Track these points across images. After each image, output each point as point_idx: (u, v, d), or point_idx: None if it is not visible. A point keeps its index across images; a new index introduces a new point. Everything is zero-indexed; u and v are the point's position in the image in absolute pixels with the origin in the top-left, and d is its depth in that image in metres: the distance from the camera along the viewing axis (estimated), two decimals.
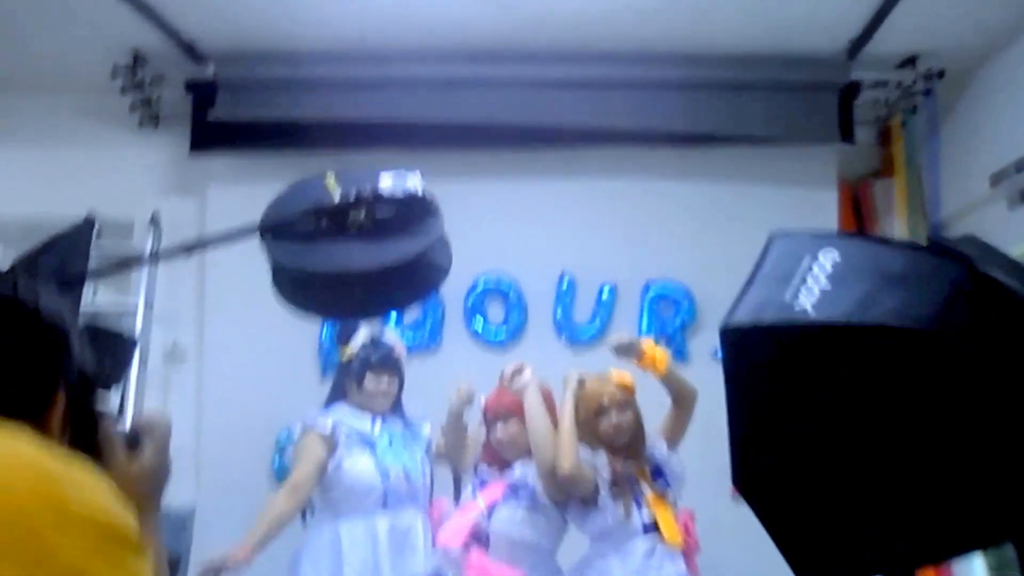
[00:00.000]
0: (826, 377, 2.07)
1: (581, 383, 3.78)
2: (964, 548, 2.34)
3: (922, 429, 2.02)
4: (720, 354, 2.12)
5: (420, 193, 2.58)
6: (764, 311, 2.09)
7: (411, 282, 2.73)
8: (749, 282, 2.20)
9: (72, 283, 2.88)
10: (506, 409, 3.86)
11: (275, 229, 2.59)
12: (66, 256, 2.99)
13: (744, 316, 2.14)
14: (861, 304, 2.00)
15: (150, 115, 5.70)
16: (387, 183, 2.56)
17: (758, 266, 2.24)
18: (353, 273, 2.59)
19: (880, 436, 2.04)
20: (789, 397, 2.12)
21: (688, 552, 3.74)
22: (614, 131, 5.49)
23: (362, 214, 2.54)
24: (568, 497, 3.70)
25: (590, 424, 3.70)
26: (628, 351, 3.78)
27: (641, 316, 5.61)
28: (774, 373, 2.13)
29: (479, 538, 3.77)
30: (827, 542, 2.20)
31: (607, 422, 3.72)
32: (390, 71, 5.30)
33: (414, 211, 2.57)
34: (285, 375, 5.38)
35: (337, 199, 2.56)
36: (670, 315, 5.61)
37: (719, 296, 5.23)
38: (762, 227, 5.14)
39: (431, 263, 2.65)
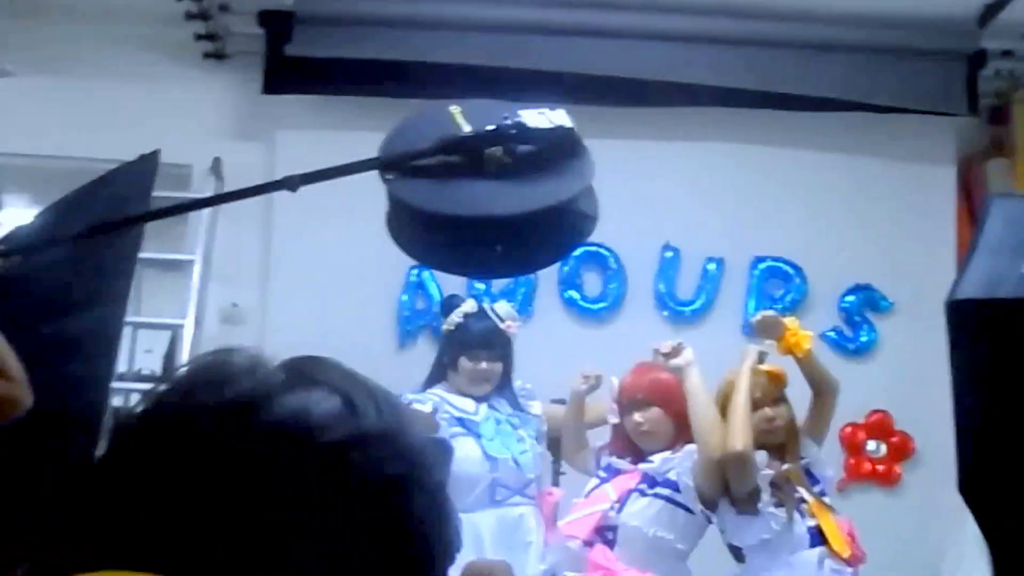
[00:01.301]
0: None
1: (762, 358, 3.42)
2: None
3: None
4: (949, 332, 2.00)
5: (569, 128, 2.23)
6: (1000, 284, 1.98)
7: (558, 232, 2.43)
8: (972, 251, 2.09)
9: (131, 223, 2.60)
10: (648, 394, 3.49)
11: (401, 162, 2.24)
12: (125, 193, 2.72)
13: (976, 289, 2.02)
14: None
15: (217, 48, 5.21)
16: (530, 117, 2.22)
17: (980, 233, 2.11)
18: (494, 218, 2.27)
19: None
20: None
21: (854, 564, 3.36)
22: (728, 91, 5.10)
23: (501, 151, 2.19)
24: (724, 494, 3.34)
25: None
26: (771, 329, 3.39)
27: (749, 293, 5.26)
28: (1013, 353, 1.99)
29: (606, 533, 3.42)
30: None
31: (760, 417, 3.36)
32: (488, 11, 4.91)
33: (559, 151, 2.25)
34: (358, 344, 4.91)
35: (471, 131, 2.20)
36: (779, 292, 5.25)
37: (830, 273, 5.11)
38: (877, 202, 4.96)
39: (579, 211, 2.34)
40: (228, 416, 0.71)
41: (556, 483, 4.17)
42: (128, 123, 4.95)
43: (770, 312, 3.65)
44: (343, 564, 0.70)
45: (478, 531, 3.59)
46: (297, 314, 5.05)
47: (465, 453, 3.67)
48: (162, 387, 0.75)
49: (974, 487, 2.05)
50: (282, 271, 5.20)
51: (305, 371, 0.77)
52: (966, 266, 2.04)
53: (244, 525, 0.68)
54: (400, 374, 3.88)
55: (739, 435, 3.22)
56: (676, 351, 3.42)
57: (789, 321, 3.51)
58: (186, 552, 0.68)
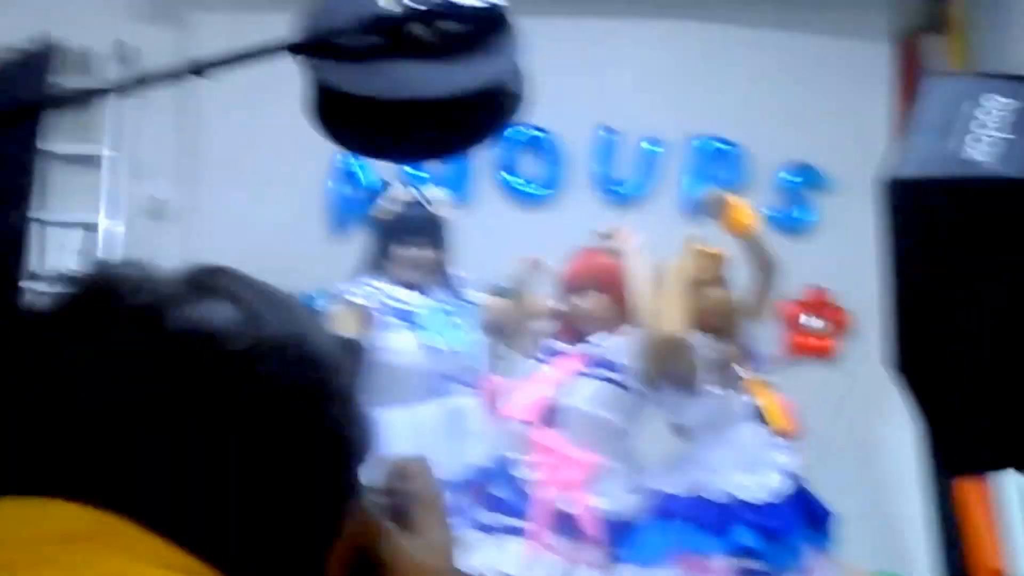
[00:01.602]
0: (1005, 239, 1.82)
1: (694, 243, 3.38)
2: None
3: None
4: (883, 211, 1.89)
5: (500, 6, 2.14)
6: (929, 162, 1.88)
7: (488, 114, 2.31)
8: (907, 130, 1.98)
9: (24, 115, 2.41)
10: (590, 278, 3.44)
11: (318, 43, 2.10)
12: (17, 81, 2.55)
13: (907, 168, 1.92)
14: None
15: None
16: None
17: (915, 112, 1.97)
18: (421, 100, 2.15)
19: None
20: (960, 259, 1.89)
21: (791, 438, 3.38)
22: None
23: (426, 29, 2.09)
24: (665, 374, 3.30)
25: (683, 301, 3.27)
26: (718, 206, 3.34)
27: (687, 172, 5.23)
28: (943, 232, 1.91)
29: (549, 414, 3.38)
30: (974, 433, 2.03)
31: (700, 297, 3.32)
32: None
33: (489, 29, 2.13)
34: (287, 235, 4.88)
35: (394, 8, 2.08)
36: (717, 172, 5.18)
37: (769, 151, 5.07)
38: (815, 79, 4.91)
39: (509, 91, 2.23)
40: (123, 329, 0.68)
41: (496, 370, 4.14)
42: (17, 2, 4.77)
43: (717, 190, 3.59)
44: (252, 473, 0.67)
45: (420, 422, 3.54)
46: (223, 207, 4.95)
47: (404, 344, 3.60)
48: (52, 302, 0.71)
49: (904, 364, 2.04)
50: (205, 163, 5.07)
51: (204, 281, 0.73)
52: (901, 145, 2.00)
53: (146, 440, 0.65)
54: (333, 264, 3.82)
55: (673, 318, 3.19)
56: (618, 234, 3.36)
57: (737, 200, 3.45)
58: (89, 471, 0.65)
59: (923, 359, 2.05)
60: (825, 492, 3.43)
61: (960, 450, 2.16)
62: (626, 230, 3.39)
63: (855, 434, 5.09)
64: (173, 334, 0.67)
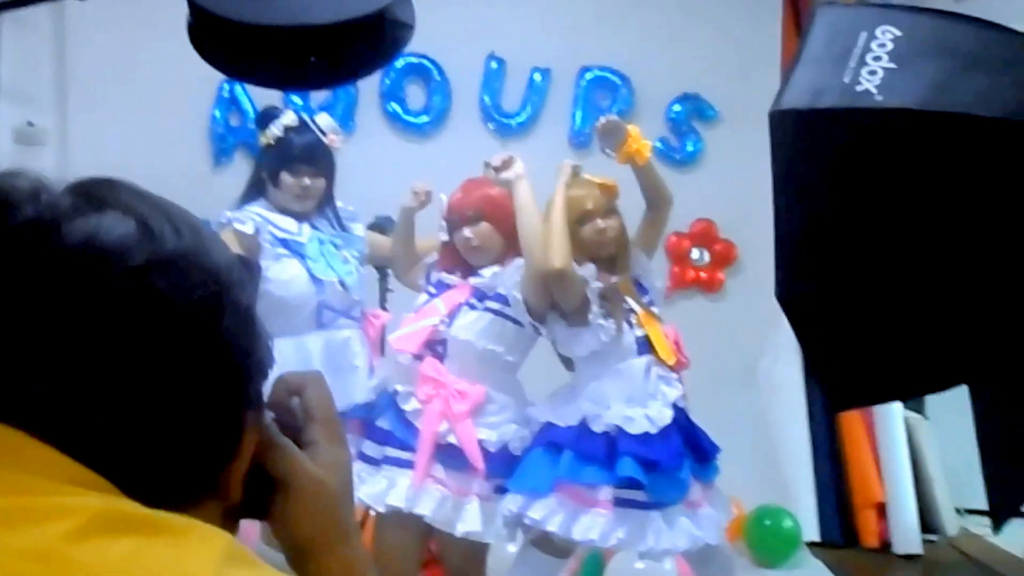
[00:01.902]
0: (893, 169, 1.90)
1: (576, 173, 3.32)
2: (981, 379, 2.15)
3: (987, 237, 1.87)
4: (771, 141, 1.98)
5: None
6: (823, 93, 1.93)
7: (374, 42, 2.25)
8: (796, 60, 2.03)
9: None
10: (476, 209, 3.36)
11: None
12: None
13: (799, 98, 1.97)
14: (936, 88, 1.83)
15: None
16: None
17: (804, 42, 2.05)
18: (306, 26, 2.08)
19: (941, 240, 1.90)
20: (849, 190, 1.97)
21: (679, 370, 3.38)
22: None
23: None
24: (553, 306, 3.28)
25: (574, 233, 3.25)
26: (613, 133, 3.32)
27: (575, 103, 5.19)
28: (834, 163, 1.98)
29: (436, 346, 3.33)
30: (858, 367, 2.10)
31: (591, 229, 3.28)
32: None
33: None
34: (170, 165, 4.71)
35: None
36: (606, 103, 5.20)
37: (657, 83, 5.07)
38: (703, 11, 4.91)
39: (396, 19, 2.17)
40: (13, 245, 0.66)
41: (384, 306, 4.09)
42: None
43: (614, 116, 3.47)
44: (149, 387, 0.67)
45: (306, 353, 3.48)
46: (101, 134, 4.79)
47: (291, 275, 3.52)
48: None
49: (788, 295, 2.05)
50: (81, 88, 4.92)
51: (95, 194, 0.70)
52: (789, 76, 2.00)
53: (41, 355, 0.64)
54: (216, 194, 3.70)
55: (557, 252, 3.14)
56: (507, 164, 3.31)
57: (632, 128, 3.36)
58: None
59: (807, 290, 2.07)
60: (709, 425, 3.44)
61: (842, 383, 2.19)
62: (514, 160, 3.33)
63: (739, 368, 5.16)
64: (66, 250, 0.65)
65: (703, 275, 5.33)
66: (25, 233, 0.66)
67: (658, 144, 5.17)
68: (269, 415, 0.88)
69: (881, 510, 5.13)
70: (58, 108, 4.89)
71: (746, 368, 5.23)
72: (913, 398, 4.57)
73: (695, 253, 5.33)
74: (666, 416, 3.17)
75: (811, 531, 5.14)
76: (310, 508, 0.85)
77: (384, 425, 3.31)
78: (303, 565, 0.84)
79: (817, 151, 2.01)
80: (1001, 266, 1.88)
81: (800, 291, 2.06)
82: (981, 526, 5.08)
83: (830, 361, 2.13)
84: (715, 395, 4.92)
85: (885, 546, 5.11)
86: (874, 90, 1.85)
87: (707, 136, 5.26)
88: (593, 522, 3.08)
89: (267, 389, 0.87)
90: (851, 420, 5.17)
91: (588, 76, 5.18)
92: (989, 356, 2.01)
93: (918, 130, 1.83)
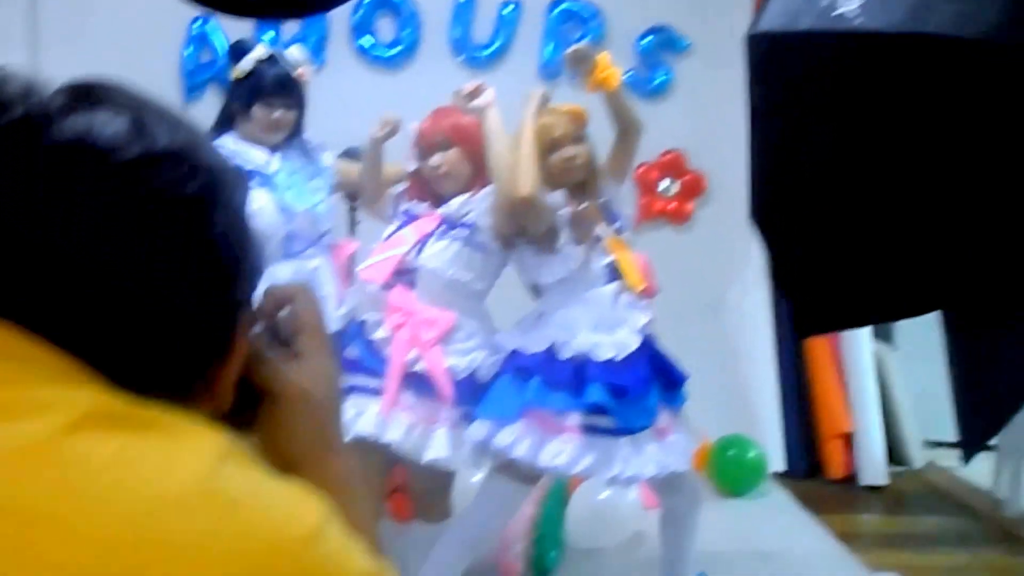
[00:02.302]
0: (869, 93, 1.89)
1: (545, 100, 3.31)
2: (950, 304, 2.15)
3: (965, 160, 1.86)
4: (748, 65, 1.97)
5: None
6: (800, 16, 1.90)
7: None
8: None
9: None
10: (445, 136, 3.37)
11: None
12: None
13: (775, 21, 1.96)
14: (914, 10, 1.79)
15: None
16: None
17: None
18: None
19: (917, 162, 1.89)
20: (824, 114, 1.96)
21: (648, 297, 3.40)
22: None
23: None
24: (521, 234, 3.28)
25: (543, 161, 3.25)
26: (582, 61, 3.31)
27: (546, 36, 5.17)
28: (809, 87, 1.97)
29: (405, 275, 3.34)
30: (829, 290, 2.12)
31: (559, 156, 3.29)
32: None
33: None
34: None
35: None
36: (576, 34, 5.14)
37: (627, 15, 5.04)
38: None
39: None
40: (5, 143, 0.66)
41: (353, 234, 4.10)
42: None
43: (583, 44, 3.43)
44: (146, 282, 0.67)
45: (275, 283, 3.48)
46: (72, 73, 4.69)
47: (260, 205, 3.53)
48: None
49: (763, 215, 2.06)
50: (51, 27, 4.85)
51: (88, 93, 0.72)
52: None
53: (37, 254, 0.65)
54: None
55: (525, 179, 3.13)
56: (477, 92, 3.29)
57: (601, 56, 3.34)
58: None
59: (780, 212, 2.07)
60: (675, 354, 3.47)
61: (812, 306, 2.20)
62: (483, 88, 3.31)
63: (706, 299, 5.18)
64: (59, 146, 0.66)
65: (672, 206, 5.33)
66: (17, 131, 0.66)
67: (628, 76, 5.14)
68: (258, 326, 0.89)
69: (848, 441, 5.19)
70: (29, 48, 4.83)
71: (713, 299, 5.26)
72: (883, 322, 4.59)
73: (664, 183, 5.32)
74: (634, 342, 3.18)
75: (777, 462, 5.20)
76: (297, 419, 0.86)
77: (352, 354, 3.32)
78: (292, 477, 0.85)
79: (793, 74, 2.00)
80: (978, 190, 1.88)
81: (773, 213, 2.06)
82: (948, 459, 5.15)
83: (801, 283, 2.14)
84: (682, 326, 4.92)
85: (851, 477, 5.17)
86: (851, 14, 1.83)
87: (677, 68, 5.23)
88: (560, 448, 3.10)
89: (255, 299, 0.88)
90: (819, 351, 5.21)
91: (558, 8, 5.14)
92: (963, 282, 2.01)
93: (895, 53, 1.81)
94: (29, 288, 0.64)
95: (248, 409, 0.86)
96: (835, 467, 5.21)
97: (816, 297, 2.12)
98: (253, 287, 0.80)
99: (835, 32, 1.84)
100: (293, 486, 0.65)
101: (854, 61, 1.87)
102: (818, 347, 5.20)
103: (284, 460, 0.84)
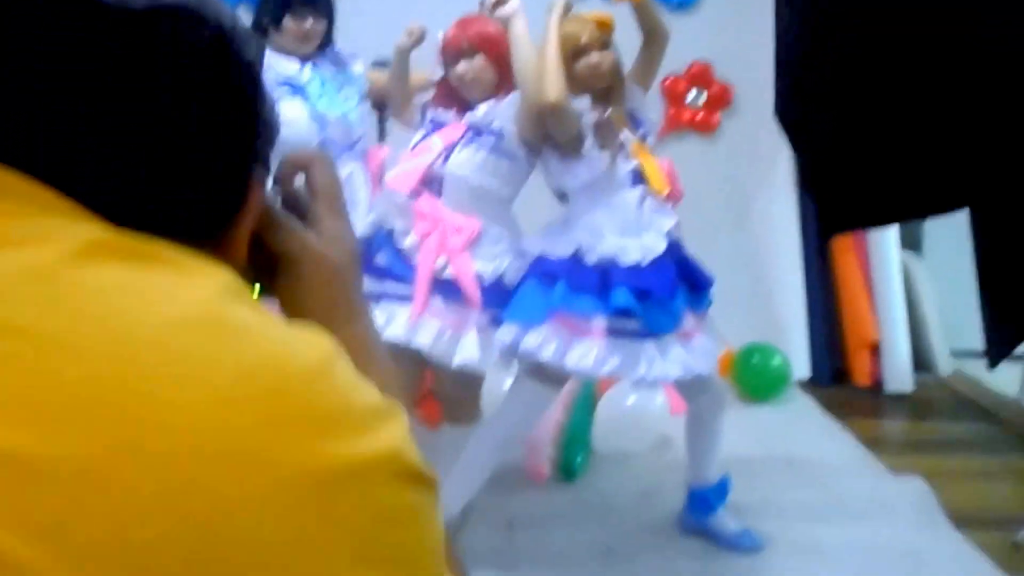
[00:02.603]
0: None
1: (567, 8, 3.30)
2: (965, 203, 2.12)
3: (997, 51, 1.83)
4: None
5: None
6: None
7: None
8: None
9: None
10: (471, 44, 3.37)
11: None
12: None
13: None
14: None
15: None
16: None
17: None
18: None
19: (946, 54, 1.86)
20: (849, 7, 1.94)
21: (673, 200, 3.42)
22: None
23: None
24: (547, 140, 3.30)
25: (568, 67, 3.25)
26: None
27: None
28: None
29: (431, 183, 3.37)
30: (855, 186, 2.12)
31: (585, 63, 3.28)
32: None
33: None
34: None
35: None
36: None
37: None
38: None
39: None
40: (21, 4, 0.66)
41: (382, 140, 4.12)
42: None
43: None
44: (157, 130, 0.68)
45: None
46: None
47: (294, 114, 3.58)
48: None
49: (789, 111, 2.05)
50: None
51: None
52: None
53: (48, 104, 0.65)
54: None
55: (551, 85, 3.13)
56: (502, 0, 3.29)
57: None
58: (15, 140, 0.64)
59: (806, 107, 2.06)
60: (702, 263, 3.48)
61: (838, 203, 2.19)
62: None
63: (733, 208, 5.18)
64: (65, 2, 0.66)
65: (699, 117, 5.31)
66: None
67: None
68: (275, 191, 0.90)
69: (874, 350, 5.21)
70: None
71: (740, 209, 5.26)
72: (908, 220, 4.55)
73: (691, 94, 5.30)
74: (659, 246, 3.21)
75: (803, 370, 5.23)
76: (315, 282, 0.87)
77: (381, 261, 3.36)
78: None
79: None
80: (1011, 81, 1.86)
81: (799, 108, 2.06)
82: (975, 368, 5.17)
83: (826, 180, 2.13)
84: (708, 235, 4.94)
85: (877, 385, 5.20)
86: None
87: None
88: (587, 350, 3.14)
89: (274, 160, 0.90)
90: (846, 260, 5.21)
91: None
92: (992, 179, 2.00)
93: None
94: (34, 135, 0.64)
95: (265, 275, 0.87)
96: (861, 375, 5.24)
97: (841, 194, 2.12)
98: (268, 144, 0.79)
99: None
100: (302, 326, 0.64)
101: None
102: (845, 256, 5.20)
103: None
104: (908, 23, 1.87)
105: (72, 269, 0.57)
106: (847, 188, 2.12)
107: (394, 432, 0.59)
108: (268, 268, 0.88)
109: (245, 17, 3.99)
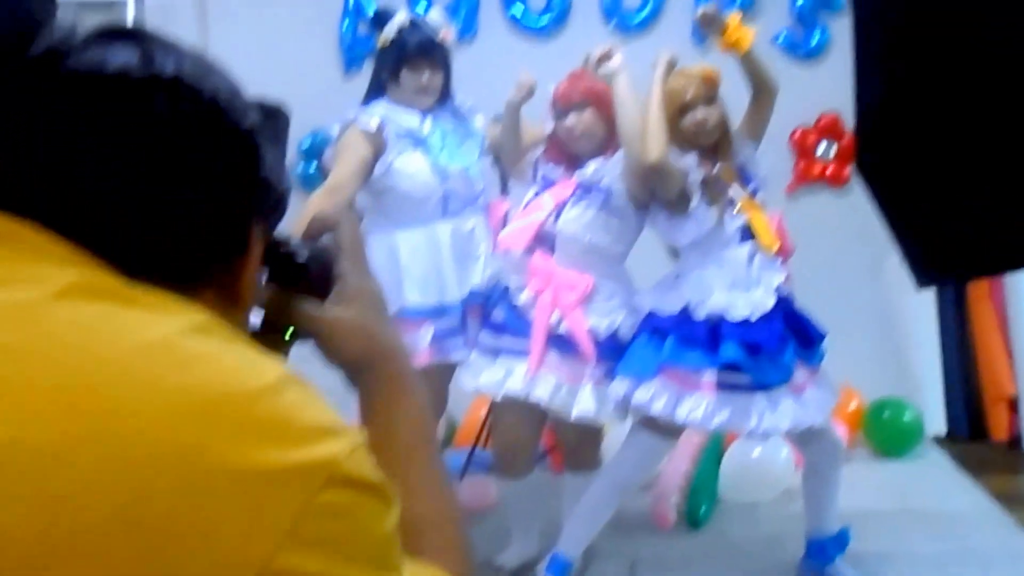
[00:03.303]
0: (976, 31, 1.77)
1: (671, 65, 3.35)
2: None
3: None
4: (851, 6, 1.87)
5: None
6: None
7: None
8: None
9: None
10: (582, 97, 3.44)
11: None
12: None
13: None
14: None
15: None
16: None
17: None
18: None
19: None
20: (937, 55, 1.83)
21: (783, 256, 3.45)
22: None
23: None
24: (655, 197, 3.35)
25: (674, 123, 3.30)
26: (712, 24, 3.34)
27: None
28: (919, 29, 1.85)
29: (544, 241, 3.46)
30: (946, 239, 2.02)
31: (691, 119, 3.32)
32: None
33: None
34: (303, 76, 4.89)
35: None
36: None
37: None
38: None
39: None
40: (30, 70, 0.77)
41: (505, 194, 4.19)
42: None
43: (711, 6, 3.43)
44: (152, 188, 0.77)
45: (436, 241, 3.62)
46: (238, 50, 4.91)
47: (416, 167, 3.61)
48: None
49: (869, 162, 2.05)
50: (219, 4, 5.10)
51: (108, 32, 0.81)
52: None
53: (51, 162, 0.75)
54: (349, 102, 3.78)
55: (653, 145, 3.18)
56: (607, 56, 3.35)
57: (731, 17, 3.38)
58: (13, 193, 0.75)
59: (886, 158, 2.06)
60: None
61: (926, 256, 2.18)
62: (613, 52, 3.35)
63: (866, 261, 5.12)
64: (74, 72, 0.76)
65: (830, 169, 5.27)
66: (39, 61, 0.77)
67: (783, 36, 5.12)
68: (305, 245, 1.01)
69: (1012, 404, 5.07)
70: (199, 24, 5.09)
71: (873, 261, 5.19)
72: (1001, 272, 4.43)
73: (821, 147, 5.27)
74: (768, 302, 3.23)
75: (938, 424, 5.13)
76: (344, 344, 0.97)
77: (499, 317, 3.48)
78: (354, 380, 0.98)
79: (901, 16, 1.98)
80: None
81: (879, 159, 2.05)
82: None
83: (912, 232, 2.12)
84: (841, 288, 4.92)
85: (1016, 440, 5.05)
86: None
87: (833, 27, 5.14)
88: (697, 404, 3.18)
89: (292, 231, 1.00)
90: (981, 310, 5.10)
91: None
92: None
93: None
94: (35, 189, 0.74)
95: (292, 341, 0.98)
96: (999, 430, 5.09)
97: (930, 245, 2.10)
98: (270, 202, 0.88)
99: None
100: (262, 353, 0.73)
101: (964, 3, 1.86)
102: (981, 306, 5.09)
103: (344, 368, 0.98)
104: (988, 70, 1.87)
105: (52, 305, 0.68)
106: (934, 240, 2.11)
107: (334, 446, 0.69)
108: (294, 336, 0.99)
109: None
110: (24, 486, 0.60)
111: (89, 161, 0.75)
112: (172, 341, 0.68)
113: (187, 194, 0.79)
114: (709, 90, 3.36)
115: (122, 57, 0.78)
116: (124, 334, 0.67)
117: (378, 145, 3.57)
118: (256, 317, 0.96)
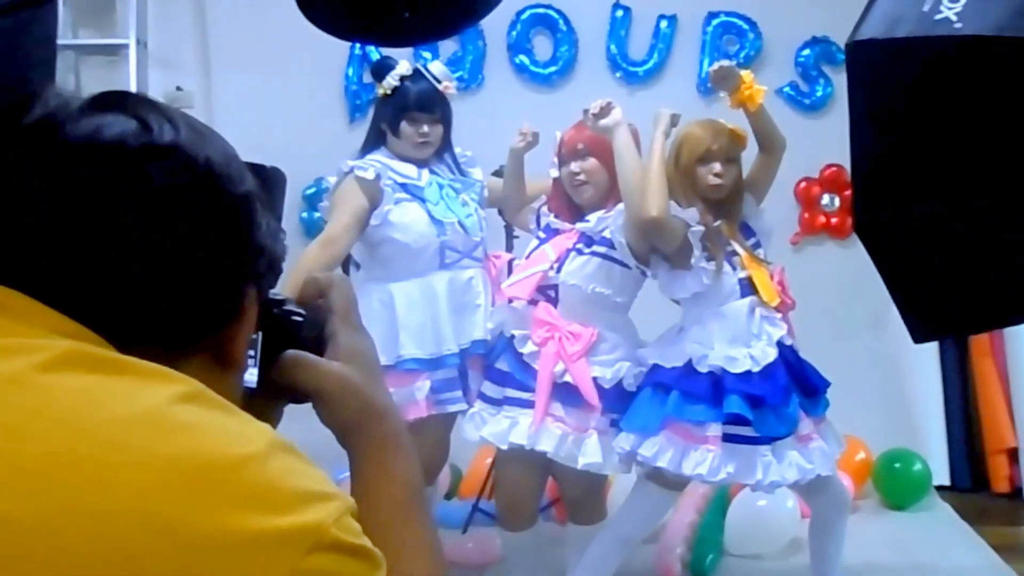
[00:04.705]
0: (970, 97, 1.87)
1: (673, 121, 3.37)
2: None
3: None
4: (847, 72, 2.01)
5: None
6: (899, 24, 1.91)
7: None
8: None
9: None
10: (586, 145, 3.45)
11: None
12: None
13: (875, 29, 1.96)
14: (1017, 14, 1.78)
15: None
16: None
17: None
18: None
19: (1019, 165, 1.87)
20: (927, 119, 1.95)
21: (783, 311, 3.43)
22: None
23: None
24: (654, 250, 3.36)
25: (689, 171, 3.32)
26: (726, 80, 3.34)
27: (703, 50, 5.18)
28: (911, 92, 1.96)
29: (547, 292, 3.46)
30: (941, 296, 2.14)
31: (708, 172, 3.32)
32: None
33: None
34: (307, 123, 4.93)
35: None
36: (734, 48, 5.19)
37: (786, 27, 5.01)
38: None
39: None
40: (26, 139, 0.78)
41: (510, 248, 4.18)
42: None
43: (727, 62, 3.43)
44: (144, 258, 0.78)
45: (432, 293, 3.58)
46: (243, 96, 5.00)
47: (412, 218, 3.58)
48: None
49: (868, 223, 2.08)
50: (222, 52, 5.13)
51: (104, 101, 0.82)
52: (869, 7, 2.00)
53: (45, 234, 0.76)
54: (353, 149, 3.79)
55: (653, 200, 3.18)
56: (605, 111, 3.35)
57: (745, 74, 3.39)
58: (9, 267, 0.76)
59: (885, 218, 2.08)
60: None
61: (925, 312, 2.20)
62: (612, 106, 3.36)
63: (869, 313, 5.12)
64: (70, 143, 0.77)
65: (834, 221, 5.29)
66: (36, 130, 0.78)
67: (787, 89, 5.15)
68: (300, 312, 1.01)
69: (1013, 455, 5.06)
70: (202, 72, 5.13)
71: (877, 313, 5.18)
72: (998, 327, 4.44)
73: (825, 199, 5.30)
74: (770, 355, 3.23)
75: (941, 475, 5.11)
76: (337, 402, 0.97)
77: (503, 367, 3.47)
78: (346, 441, 0.98)
79: (894, 81, 2.01)
80: None
81: (878, 219, 2.07)
82: None
83: (911, 290, 2.15)
84: (845, 339, 4.93)
85: (1016, 492, 5.04)
86: (954, 17, 1.83)
87: (837, 80, 5.17)
88: (702, 457, 3.17)
89: (286, 280, 1.01)
90: (983, 363, 5.10)
91: (715, 22, 5.16)
92: None
93: (996, 56, 1.81)
94: (27, 258, 0.75)
95: (291, 401, 0.99)
96: (1000, 481, 5.08)
97: (927, 302, 2.12)
98: (264, 266, 0.89)
99: (934, 37, 1.86)
100: (250, 419, 0.74)
101: (955, 65, 1.88)
102: (983, 360, 5.09)
103: (336, 429, 0.97)
104: (980, 132, 1.90)
105: (41, 376, 0.68)
106: (932, 297, 2.13)
107: (321, 512, 0.69)
108: (302, 397, 0.99)
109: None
110: (14, 560, 0.60)
111: (82, 231, 0.76)
112: (160, 411, 0.69)
113: (181, 264, 0.80)
114: (732, 148, 3.37)
115: (118, 126, 0.79)
116: (112, 405, 0.68)
117: (374, 196, 3.54)
118: (251, 376, 0.97)
